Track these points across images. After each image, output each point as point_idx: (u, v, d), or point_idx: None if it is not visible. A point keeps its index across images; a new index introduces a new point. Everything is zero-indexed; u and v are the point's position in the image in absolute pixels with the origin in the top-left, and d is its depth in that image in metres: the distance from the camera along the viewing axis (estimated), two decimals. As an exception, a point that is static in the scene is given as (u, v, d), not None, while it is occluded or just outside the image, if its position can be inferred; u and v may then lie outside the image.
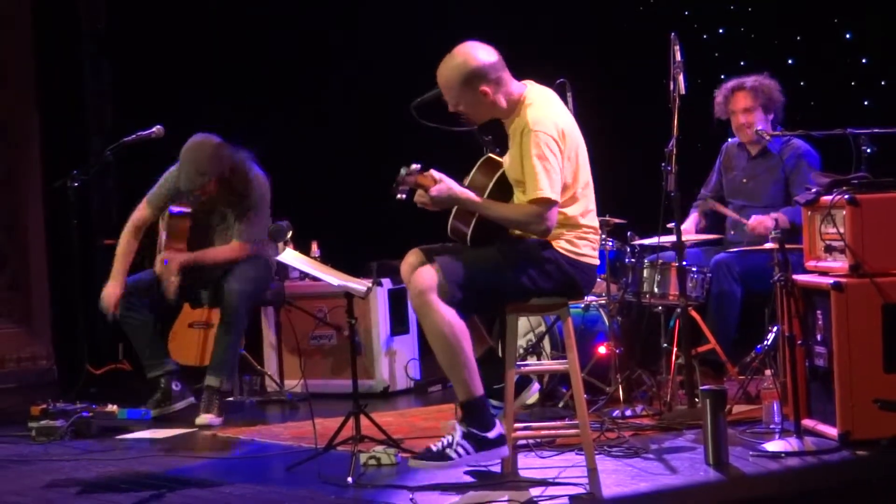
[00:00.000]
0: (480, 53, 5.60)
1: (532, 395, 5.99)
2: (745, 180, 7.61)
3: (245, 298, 7.46)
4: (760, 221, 7.24)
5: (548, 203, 5.45)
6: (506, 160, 5.72)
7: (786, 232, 6.96)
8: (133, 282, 7.59)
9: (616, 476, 5.54)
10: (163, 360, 7.62)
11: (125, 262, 7.66)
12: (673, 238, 6.86)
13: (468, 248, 5.64)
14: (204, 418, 7.32)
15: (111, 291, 7.53)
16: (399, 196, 5.52)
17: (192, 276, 7.59)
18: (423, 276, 5.44)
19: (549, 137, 5.48)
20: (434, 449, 5.46)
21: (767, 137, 7.37)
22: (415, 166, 5.51)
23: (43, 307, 9.95)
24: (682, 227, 7.00)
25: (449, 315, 5.40)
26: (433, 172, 5.55)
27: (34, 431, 7.04)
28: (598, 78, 8.71)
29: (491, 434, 5.44)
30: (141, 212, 7.73)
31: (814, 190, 6.18)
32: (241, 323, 7.52)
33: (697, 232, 7.55)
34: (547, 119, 5.53)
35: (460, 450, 5.42)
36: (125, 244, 7.69)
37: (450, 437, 5.45)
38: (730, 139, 7.75)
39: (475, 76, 5.56)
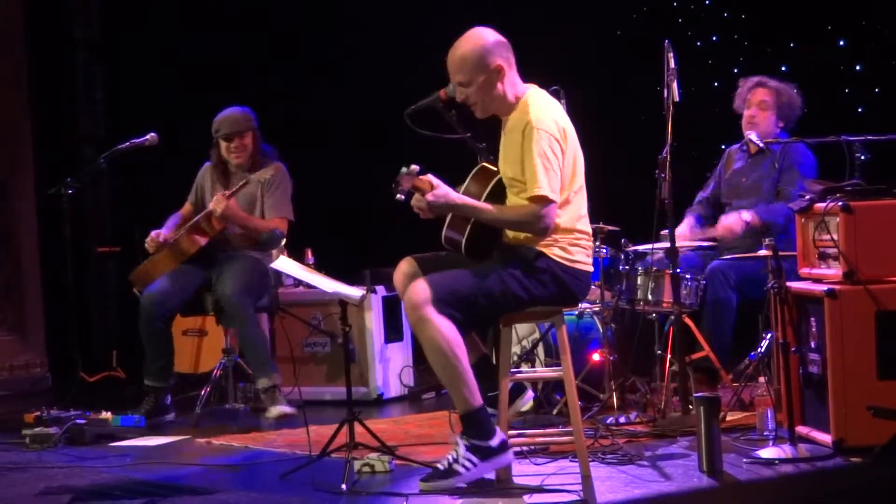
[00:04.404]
0: (491, 34, 5.64)
1: (526, 402, 5.99)
2: (743, 179, 7.63)
3: (242, 296, 7.51)
4: (727, 227, 7.30)
5: (546, 201, 5.45)
6: (500, 157, 5.72)
7: (759, 231, 7.05)
8: (165, 291, 7.62)
9: (610, 483, 5.54)
10: (170, 375, 7.75)
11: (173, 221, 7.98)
12: (667, 245, 6.86)
13: (461, 262, 5.62)
14: (275, 410, 7.42)
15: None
16: (398, 196, 5.51)
17: (207, 254, 7.77)
18: (417, 289, 5.43)
19: (551, 137, 5.48)
20: (441, 468, 5.46)
21: (760, 145, 7.37)
22: (414, 167, 5.51)
23: (36, 314, 9.94)
24: (677, 230, 7.04)
25: (445, 328, 5.38)
26: (430, 177, 5.54)
27: (28, 439, 7.03)
28: (592, 85, 8.71)
29: (493, 442, 5.44)
30: (184, 209, 8.10)
31: (807, 197, 6.19)
32: (250, 318, 7.58)
33: (691, 236, 7.55)
34: (549, 118, 5.54)
35: (467, 463, 5.42)
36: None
37: (454, 453, 5.44)
38: (733, 145, 7.79)
39: (489, 51, 5.57)
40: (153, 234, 7.75)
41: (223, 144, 7.83)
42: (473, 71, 5.58)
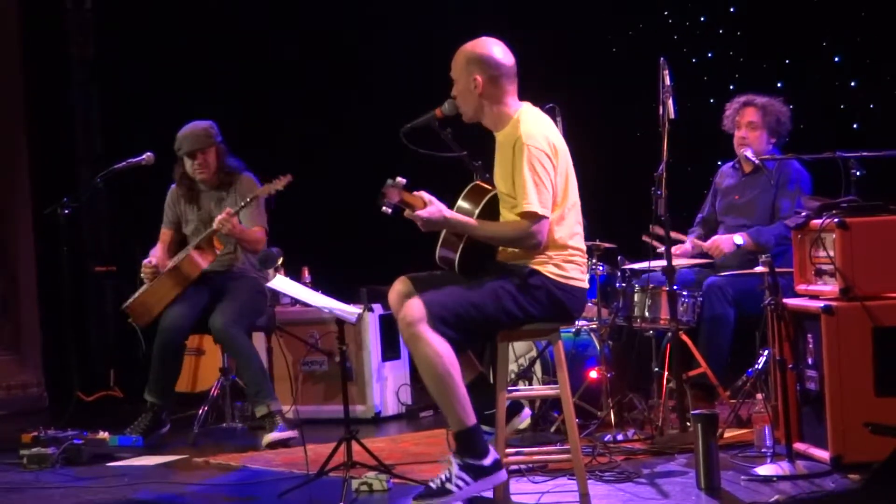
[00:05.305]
0: (496, 49, 5.70)
1: (523, 420, 5.99)
2: (737, 197, 7.64)
3: (232, 327, 7.49)
4: (716, 243, 7.33)
5: (535, 217, 5.46)
6: (495, 173, 5.73)
7: (751, 253, 7.08)
8: (183, 315, 7.62)
9: (608, 501, 5.54)
10: (171, 394, 7.74)
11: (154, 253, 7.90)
12: (663, 262, 6.87)
13: (455, 281, 5.63)
14: (269, 437, 7.36)
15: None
16: (384, 209, 5.52)
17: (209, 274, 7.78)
18: (412, 307, 5.43)
19: (542, 152, 5.50)
20: (433, 486, 5.45)
21: (756, 161, 7.38)
22: (400, 179, 5.51)
23: (33, 334, 9.94)
24: (677, 249, 7.09)
25: (439, 346, 5.38)
26: (423, 194, 5.55)
27: (25, 459, 7.02)
28: (588, 102, 8.72)
29: (486, 461, 5.43)
30: (163, 236, 8.00)
31: (803, 213, 6.20)
32: (244, 347, 7.55)
33: (691, 253, 7.56)
34: (539, 134, 5.56)
35: (460, 482, 5.41)
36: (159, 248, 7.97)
37: (447, 472, 5.44)
38: (727, 163, 7.80)
39: (476, 61, 5.64)
40: (145, 261, 7.74)
41: (187, 161, 7.82)
42: (457, 71, 5.71)
